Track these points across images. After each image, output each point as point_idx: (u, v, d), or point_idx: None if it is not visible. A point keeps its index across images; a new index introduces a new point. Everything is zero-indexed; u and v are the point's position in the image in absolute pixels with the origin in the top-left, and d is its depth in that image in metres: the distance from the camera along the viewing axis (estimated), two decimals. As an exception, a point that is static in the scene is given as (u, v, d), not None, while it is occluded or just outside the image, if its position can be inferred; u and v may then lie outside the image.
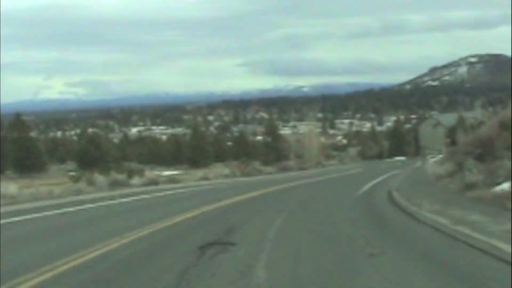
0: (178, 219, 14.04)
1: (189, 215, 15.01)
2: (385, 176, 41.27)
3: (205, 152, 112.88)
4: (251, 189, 26.52)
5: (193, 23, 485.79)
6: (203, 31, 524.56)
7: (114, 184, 29.90)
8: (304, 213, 15.63)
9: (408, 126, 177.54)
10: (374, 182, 32.68)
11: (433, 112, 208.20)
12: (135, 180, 31.90)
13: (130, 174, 34.28)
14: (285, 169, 60.23)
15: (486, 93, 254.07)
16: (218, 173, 45.28)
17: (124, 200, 22.22)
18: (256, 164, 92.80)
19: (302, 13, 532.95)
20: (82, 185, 28.57)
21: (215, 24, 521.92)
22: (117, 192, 26.79)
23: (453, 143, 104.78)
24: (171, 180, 35.40)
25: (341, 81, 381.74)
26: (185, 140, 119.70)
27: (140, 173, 40.87)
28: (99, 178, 29.82)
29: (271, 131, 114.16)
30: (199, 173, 45.42)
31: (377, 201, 19.68)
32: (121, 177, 31.76)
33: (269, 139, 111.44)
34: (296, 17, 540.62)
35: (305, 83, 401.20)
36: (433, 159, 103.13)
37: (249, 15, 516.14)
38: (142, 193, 25.76)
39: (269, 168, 58.63)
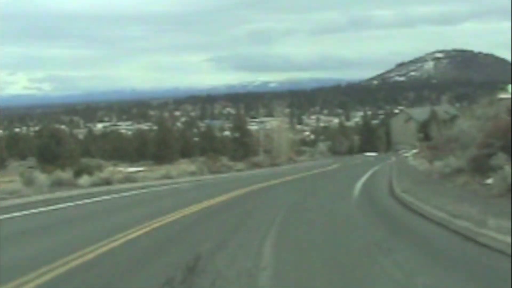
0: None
1: (103, 248, 8.54)
2: (369, 172, 36.98)
3: (170, 147, 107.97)
4: (221, 190, 21.82)
5: (159, 18, 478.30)
6: (169, 26, 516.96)
7: (57, 184, 24.87)
8: (305, 232, 10.75)
9: (375, 121, 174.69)
10: (362, 180, 28.31)
11: (401, 108, 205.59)
12: (84, 179, 26.74)
13: (79, 172, 29.16)
14: (256, 165, 55.45)
15: (452, 88, 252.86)
16: (183, 170, 40.28)
17: (34, 211, 16.08)
18: (225, 160, 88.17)
19: (269, 9, 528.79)
20: (18, 185, 23.45)
21: (181, 19, 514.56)
22: (55, 194, 21.63)
23: (427, 138, 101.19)
24: (129, 179, 30.33)
25: (308, 77, 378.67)
26: (151, 135, 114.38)
27: (99, 170, 35.86)
28: (40, 177, 24.70)
29: (239, 126, 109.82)
30: (162, 170, 40.32)
31: (388, 207, 15.08)
32: (66, 176, 26.67)
33: (237, 134, 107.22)
34: (262, 12, 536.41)
35: (272, 79, 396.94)
36: (406, 154, 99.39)
37: (216, 11, 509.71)
38: (79, 197, 20.59)
39: (239, 165, 53.78)
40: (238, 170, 47.94)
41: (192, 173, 39.64)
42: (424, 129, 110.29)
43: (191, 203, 15.96)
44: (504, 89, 56.44)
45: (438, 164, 30.48)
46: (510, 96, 54.48)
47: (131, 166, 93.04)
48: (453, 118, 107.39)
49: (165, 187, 26.56)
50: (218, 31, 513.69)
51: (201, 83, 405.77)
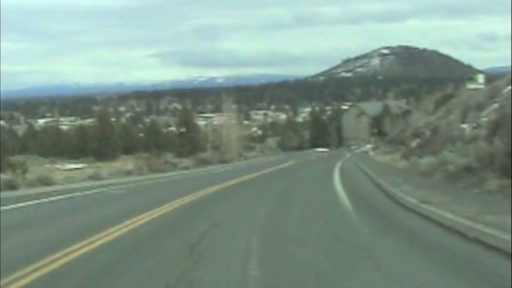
0: None
1: None
2: (336, 170, 31.44)
3: (113, 143, 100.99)
4: (158, 199, 15.71)
5: (103, 13, 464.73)
6: (114, 20, 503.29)
7: None
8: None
9: (324, 117, 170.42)
10: (336, 180, 22.71)
11: (348, 103, 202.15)
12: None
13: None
14: (204, 162, 49.16)
15: (398, 84, 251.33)
16: (118, 169, 33.79)
17: None
18: (170, 157, 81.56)
19: (215, 4, 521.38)
20: None
21: (126, 14, 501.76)
22: None
23: (380, 132, 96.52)
24: (43, 180, 23.78)
25: (255, 73, 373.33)
26: (91, 131, 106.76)
27: (21, 168, 29.22)
28: None
29: (186, 121, 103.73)
30: (91, 169, 33.70)
31: (421, 232, 9.13)
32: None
33: (183, 129, 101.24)
34: (208, 8, 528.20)
35: (219, 74, 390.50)
36: (363, 149, 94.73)
37: (161, 6, 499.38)
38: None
39: (185, 161, 47.45)
40: (183, 168, 41.61)
41: (129, 173, 33.23)
42: (377, 123, 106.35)
43: (99, 227, 9.76)
44: (473, 79, 51.91)
45: (424, 161, 25.03)
46: (480, 86, 49.73)
47: (70, 163, 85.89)
48: (406, 112, 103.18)
49: (87, 193, 20.21)
50: (164, 26, 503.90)
51: (147, 79, 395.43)
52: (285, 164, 45.64)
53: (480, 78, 50.04)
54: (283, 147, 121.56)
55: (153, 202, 14.60)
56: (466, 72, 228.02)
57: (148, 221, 10.89)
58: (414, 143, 45.77)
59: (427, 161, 24.84)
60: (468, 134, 26.61)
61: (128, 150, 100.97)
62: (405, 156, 34.76)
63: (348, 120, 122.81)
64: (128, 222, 10.52)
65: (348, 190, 17.61)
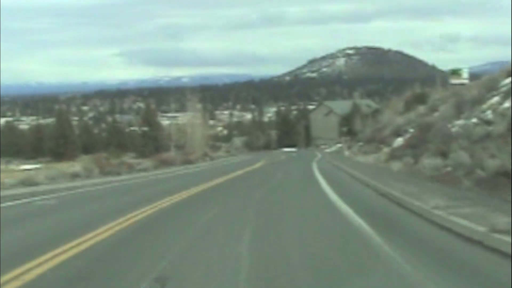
0: None
1: None
2: (316, 173, 27.01)
3: (72, 143, 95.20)
4: (101, 215, 11.02)
5: (66, 11, 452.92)
6: (77, 19, 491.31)
7: None
8: None
9: (290, 116, 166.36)
10: (321, 185, 18.23)
11: (314, 103, 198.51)
12: None
13: None
14: (166, 163, 44.11)
15: (363, 84, 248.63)
16: (61, 172, 28.62)
17: None
18: (131, 157, 76.18)
19: (180, 4, 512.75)
20: None
21: (90, 12, 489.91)
22: None
23: (350, 132, 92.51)
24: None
25: (221, 72, 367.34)
26: (49, 130, 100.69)
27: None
28: None
29: (149, 119, 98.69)
30: (22, 173, 28.47)
31: None
32: None
33: (146, 128, 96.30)
34: (174, 7, 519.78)
35: (184, 74, 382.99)
36: (329, 150, 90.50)
37: (126, 4, 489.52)
38: None
39: (145, 162, 42.36)
40: (141, 170, 36.44)
41: (74, 176, 28.12)
42: (347, 122, 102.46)
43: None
44: (457, 74, 47.99)
45: (429, 163, 20.66)
46: (464, 81, 45.73)
47: (26, 163, 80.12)
48: (375, 111, 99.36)
49: (9, 204, 15.25)
50: (129, 25, 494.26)
51: (111, 78, 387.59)
52: (255, 165, 41.04)
53: (465, 73, 46.20)
54: (250, 146, 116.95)
55: (76, 225, 9.77)
56: (430, 73, 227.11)
57: (74, 255, 6.14)
58: (396, 142, 41.56)
59: (433, 163, 20.47)
60: (476, 131, 22.38)
61: (89, 149, 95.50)
62: (393, 157, 30.43)
63: (316, 119, 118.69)
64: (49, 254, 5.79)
65: (352, 204, 12.99)
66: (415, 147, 28.44)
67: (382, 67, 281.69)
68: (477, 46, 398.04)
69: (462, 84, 43.61)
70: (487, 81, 31.84)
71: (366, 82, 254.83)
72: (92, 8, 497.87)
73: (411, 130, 41.85)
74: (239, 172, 31.55)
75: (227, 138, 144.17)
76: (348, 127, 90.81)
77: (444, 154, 21.02)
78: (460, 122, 27.89)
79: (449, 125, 27.88)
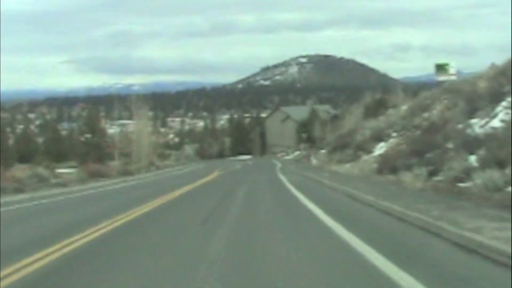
0: None
1: None
2: (289, 188, 19.21)
3: (5, 151, 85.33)
4: None
5: (13, 17, 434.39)
6: (25, 26, 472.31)
7: None
8: None
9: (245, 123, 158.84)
10: (322, 218, 10.19)
11: (267, 111, 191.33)
12: None
13: None
14: (98, 175, 35.29)
15: (316, 92, 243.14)
16: None
17: None
18: (66, 167, 67.11)
19: (130, 11, 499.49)
20: None
21: (38, 19, 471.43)
22: None
23: (310, 138, 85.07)
24: None
25: (172, 80, 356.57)
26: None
27: None
28: None
29: (92, 126, 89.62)
30: None
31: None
32: None
33: (88, 135, 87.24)
34: (123, 15, 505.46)
35: (136, 82, 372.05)
36: (287, 158, 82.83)
37: (74, 11, 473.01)
38: None
39: (69, 175, 33.55)
40: (58, 185, 27.06)
41: None
42: (305, 129, 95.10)
43: None
44: (443, 69, 40.91)
45: (482, 177, 12.99)
46: (452, 77, 38.60)
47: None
48: (335, 117, 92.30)
49: None
50: (78, 32, 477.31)
51: (60, 86, 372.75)
52: (208, 177, 32.91)
53: (452, 68, 39.17)
54: (202, 154, 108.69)
55: None
56: (382, 81, 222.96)
57: None
58: (378, 148, 33.99)
59: (487, 177, 12.73)
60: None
61: (27, 159, 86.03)
62: (386, 166, 22.69)
63: (272, 125, 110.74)
64: None
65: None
66: (420, 154, 20.83)
67: (335, 75, 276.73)
68: (428, 55, 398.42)
69: (448, 81, 36.51)
70: (499, 70, 24.64)
71: (319, 89, 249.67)
72: (41, 15, 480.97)
73: (394, 134, 34.46)
74: (187, 187, 23.38)
75: (179, 146, 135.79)
76: (307, 133, 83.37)
77: (501, 164, 13.36)
78: (475, 120, 20.68)
79: (460, 125, 20.55)
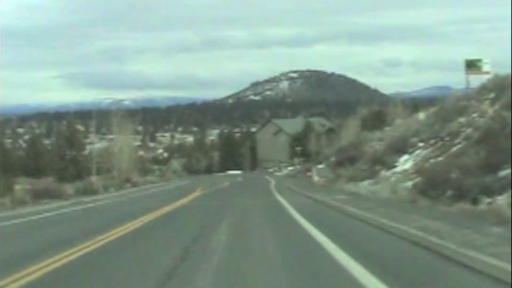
0: None
1: None
2: (298, 217, 11.85)
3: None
4: None
5: (5, 32, 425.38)
6: (16, 41, 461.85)
7: None
8: None
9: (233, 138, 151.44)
10: None
11: (257, 126, 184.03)
12: None
13: None
14: (48, 195, 27.30)
15: (307, 108, 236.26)
16: None
17: None
18: (43, 182, 59.59)
19: (121, 27, 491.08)
20: None
21: (29, 34, 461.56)
22: None
23: (304, 152, 77.67)
24: None
25: (163, 95, 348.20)
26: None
27: None
28: None
29: (71, 140, 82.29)
30: None
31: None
32: None
33: (66, 150, 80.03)
34: (114, 30, 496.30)
35: (126, 97, 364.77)
36: (280, 173, 75.36)
37: (65, 27, 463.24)
38: None
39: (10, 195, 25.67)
40: None
41: None
42: (299, 142, 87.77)
43: None
44: (475, 66, 33.73)
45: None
46: (486, 75, 31.59)
47: None
48: (330, 130, 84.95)
49: None
50: (68, 47, 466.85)
51: (51, 100, 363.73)
52: (189, 197, 25.53)
53: (485, 64, 32.06)
54: (189, 169, 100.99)
55: None
56: (373, 96, 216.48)
57: None
58: (403, 163, 26.65)
59: None
60: None
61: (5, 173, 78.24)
62: (441, 188, 15.28)
63: (263, 139, 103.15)
64: None
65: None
66: (493, 168, 13.59)
67: (326, 90, 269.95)
68: (418, 71, 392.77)
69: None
70: None
71: (310, 105, 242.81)
72: (32, 30, 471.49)
73: (421, 144, 27.14)
74: (158, 213, 15.99)
75: (166, 161, 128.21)
76: (301, 147, 76.01)
77: None
78: None
79: None
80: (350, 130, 70.37)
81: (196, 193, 30.49)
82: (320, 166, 56.25)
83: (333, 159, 54.18)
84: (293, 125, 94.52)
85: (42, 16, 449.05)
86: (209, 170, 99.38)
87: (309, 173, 53.53)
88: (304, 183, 39.52)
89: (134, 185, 48.14)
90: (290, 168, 76.49)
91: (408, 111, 59.61)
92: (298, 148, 74.77)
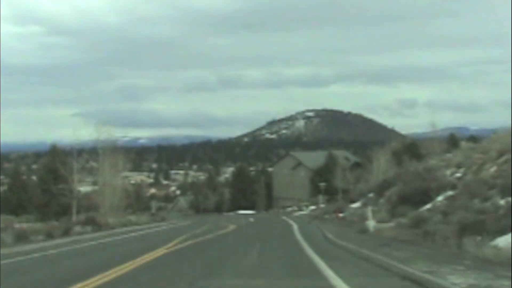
0: None
1: None
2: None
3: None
4: None
5: (23, 70, 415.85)
6: (35, 78, 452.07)
7: None
8: None
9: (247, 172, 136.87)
10: None
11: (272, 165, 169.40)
12: None
13: None
14: None
15: (322, 146, 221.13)
16: None
17: None
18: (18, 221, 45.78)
19: (139, 65, 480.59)
20: None
21: (48, 72, 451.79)
22: None
23: (328, 190, 62.32)
24: None
25: (179, 134, 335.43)
26: None
27: None
28: None
29: (56, 173, 68.41)
30: None
31: None
32: None
33: (51, 185, 66.18)
34: (132, 69, 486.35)
35: (142, 135, 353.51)
36: (300, 213, 60.47)
37: (84, 65, 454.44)
38: None
39: None
40: None
41: None
42: (321, 178, 72.80)
43: None
44: None
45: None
46: None
47: None
48: (356, 165, 69.55)
49: None
50: (86, 85, 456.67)
51: (68, 138, 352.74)
52: (112, 271, 10.58)
53: None
54: (197, 208, 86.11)
55: None
56: (390, 136, 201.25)
57: None
58: None
59: None
60: None
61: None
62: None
63: (280, 173, 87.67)
64: None
65: None
66: None
67: (342, 129, 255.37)
68: (434, 112, 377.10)
69: None
70: None
71: (326, 144, 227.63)
72: (50, 68, 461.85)
73: None
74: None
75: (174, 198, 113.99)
76: (325, 183, 60.88)
77: None
78: None
79: None
80: (382, 163, 57.38)
81: (159, 252, 15.63)
82: (355, 205, 41.40)
83: (372, 195, 39.30)
84: (314, 158, 79.39)
85: (60, 54, 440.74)
86: (219, 209, 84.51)
87: (341, 214, 38.67)
88: (343, 229, 24.49)
89: (108, 228, 33.31)
90: (312, 207, 61.36)
91: (445, 146, 52.39)
92: (322, 184, 59.63)
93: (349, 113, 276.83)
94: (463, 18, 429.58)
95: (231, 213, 74.65)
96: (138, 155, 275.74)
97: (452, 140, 66.73)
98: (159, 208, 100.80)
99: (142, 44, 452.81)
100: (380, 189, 37.66)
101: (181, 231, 29.57)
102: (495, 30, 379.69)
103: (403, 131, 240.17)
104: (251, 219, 48.86)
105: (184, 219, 58.81)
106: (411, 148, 61.39)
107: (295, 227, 31.54)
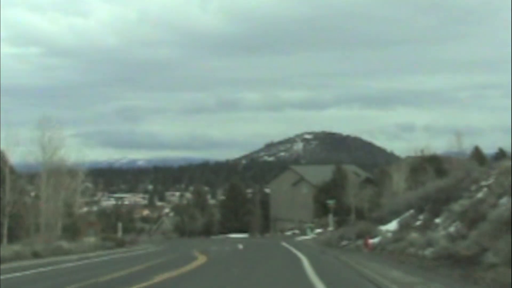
0: None
1: None
2: None
3: None
4: None
5: (24, 91, 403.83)
6: (35, 99, 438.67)
7: None
8: None
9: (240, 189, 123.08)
10: None
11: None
12: None
13: None
14: None
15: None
16: None
17: None
18: None
19: (137, 87, 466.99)
20: None
21: (47, 93, 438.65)
22: None
23: (337, 210, 48.44)
24: None
25: (177, 155, 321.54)
26: None
27: None
28: None
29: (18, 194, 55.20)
30: None
31: None
32: None
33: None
34: (130, 90, 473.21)
35: (140, 156, 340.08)
36: (303, 237, 46.20)
37: (83, 86, 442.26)
38: None
39: None
40: None
41: None
42: (327, 195, 58.39)
43: None
44: None
45: None
46: None
47: None
48: (367, 181, 55.91)
49: None
50: (86, 107, 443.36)
51: (65, 158, 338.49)
52: None
53: None
54: (182, 230, 71.94)
55: None
56: (390, 159, 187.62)
57: None
58: None
59: None
60: None
61: None
62: None
63: (278, 191, 73.04)
64: None
65: None
66: None
67: (341, 152, 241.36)
68: (432, 136, 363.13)
69: None
70: None
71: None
72: (50, 89, 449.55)
73: None
74: None
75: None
76: (335, 200, 46.97)
77: None
78: None
79: None
80: (400, 177, 46.09)
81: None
82: (387, 227, 27.59)
83: (412, 211, 25.67)
84: (317, 173, 65.27)
85: (59, 76, 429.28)
86: (208, 231, 70.41)
87: (371, 240, 25.08)
88: (401, 269, 10.64)
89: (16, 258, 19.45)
90: (318, 230, 47.49)
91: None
92: (331, 202, 45.62)
93: (347, 136, 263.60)
94: (462, 43, 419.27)
95: (220, 237, 60.69)
96: (134, 176, 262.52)
97: (477, 156, 53.98)
98: (141, 230, 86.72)
99: (141, 66, 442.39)
100: (431, 203, 23.82)
101: (106, 268, 15.69)
102: (494, 55, 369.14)
103: (402, 154, 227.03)
104: (240, 246, 34.81)
105: (158, 244, 44.90)
106: (433, 163, 49.13)
107: (305, 262, 17.65)
